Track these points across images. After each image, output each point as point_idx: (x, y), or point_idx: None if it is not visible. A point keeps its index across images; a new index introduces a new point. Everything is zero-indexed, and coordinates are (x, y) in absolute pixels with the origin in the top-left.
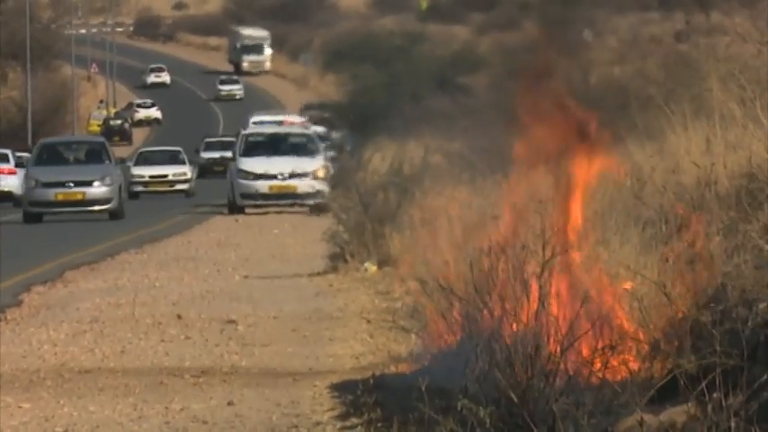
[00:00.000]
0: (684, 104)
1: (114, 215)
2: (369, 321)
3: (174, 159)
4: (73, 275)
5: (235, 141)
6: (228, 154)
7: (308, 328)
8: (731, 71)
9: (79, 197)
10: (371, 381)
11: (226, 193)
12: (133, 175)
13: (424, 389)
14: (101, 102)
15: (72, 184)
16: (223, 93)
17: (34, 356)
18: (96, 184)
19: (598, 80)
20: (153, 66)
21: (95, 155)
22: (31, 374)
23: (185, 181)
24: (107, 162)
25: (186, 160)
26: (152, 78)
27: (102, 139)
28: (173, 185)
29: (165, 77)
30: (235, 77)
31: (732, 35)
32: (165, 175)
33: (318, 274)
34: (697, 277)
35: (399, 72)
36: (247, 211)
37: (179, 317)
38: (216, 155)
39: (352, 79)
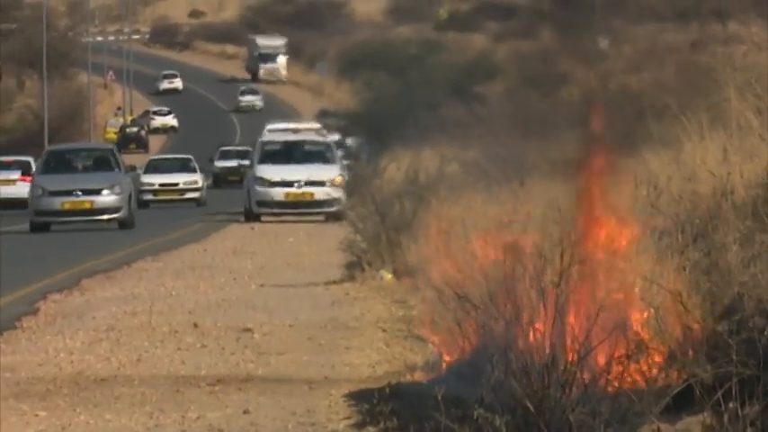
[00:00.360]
0: (701, 113)
1: (124, 224)
2: (384, 330)
3: (184, 167)
4: (89, 284)
5: (251, 150)
6: (244, 162)
7: (323, 336)
8: (748, 80)
9: (87, 206)
10: (387, 389)
11: (242, 202)
12: (143, 184)
13: (440, 398)
14: (118, 109)
15: (80, 193)
16: (243, 104)
17: (51, 365)
18: (105, 192)
19: (615, 89)
20: (166, 72)
21: (104, 162)
22: (48, 383)
23: (196, 189)
24: (116, 170)
25: (197, 168)
26: (165, 84)
27: (111, 146)
28: (183, 194)
29: (178, 83)
30: (255, 88)
31: (749, 44)
32: (176, 184)
33: (334, 282)
34: (713, 287)
35: (415, 80)
36: (263, 219)
37: (195, 325)
38: (231, 164)
39: (368, 87)
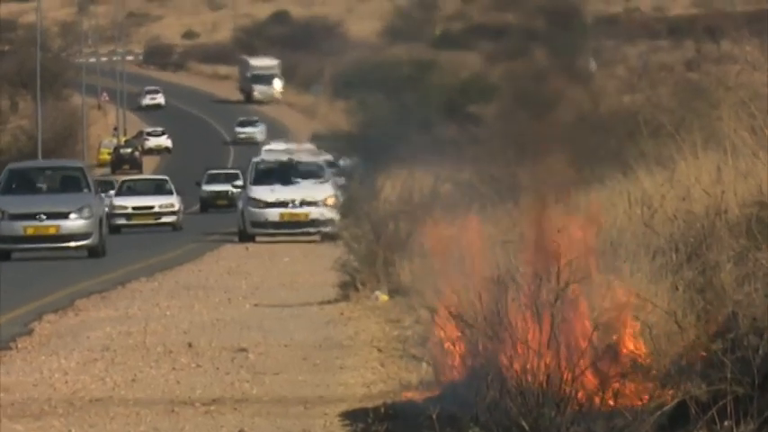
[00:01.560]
0: (695, 133)
1: (94, 252)
2: (380, 350)
3: (159, 189)
4: (84, 304)
5: (239, 174)
6: (234, 186)
7: (318, 356)
8: (742, 99)
9: (52, 231)
10: (383, 409)
11: (236, 223)
12: (115, 207)
13: (435, 417)
14: (114, 129)
15: (44, 217)
16: (242, 136)
17: (45, 385)
18: (73, 216)
19: (607, 109)
20: (148, 88)
21: (72, 183)
22: (42, 403)
23: (172, 213)
24: (86, 191)
25: (173, 190)
26: (147, 100)
27: (80, 164)
28: (158, 218)
29: (160, 99)
30: (255, 118)
31: (742, 63)
32: (151, 207)
33: (329, 302)
34: (708, 305)
35: (409, 101)
36: (258, 239)
37: (190, 345)
38: (219, 188)
39: (362, 108)
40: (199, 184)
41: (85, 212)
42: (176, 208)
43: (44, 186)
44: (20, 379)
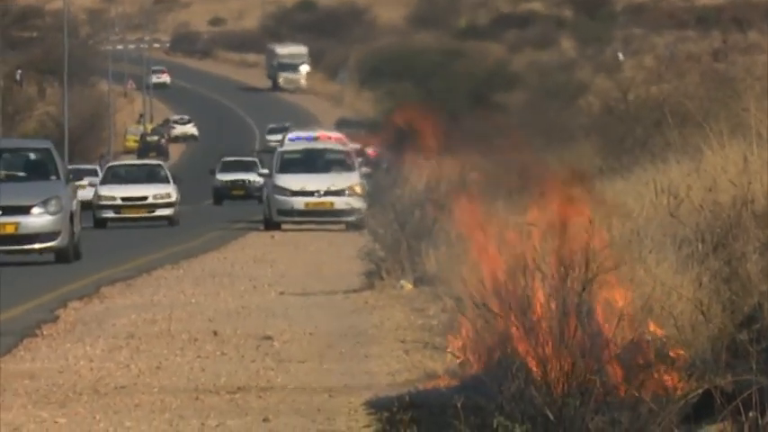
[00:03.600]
0: (721, 122)
1: (63, 256)
2: (404, 339)
3: (153, 177)
4: (109, 291)
5: (256, 161)
6: (249, 176)
7: (343, 344)
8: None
9: (10, 230)
10: (407, 398)
11: (262, 211)
12: (101, 197)
13: (459, 406)
14: (141, 116)
15: None
16: (273, 143)
17: (70, 372)
18: (36, 211)
19: (635, 98)
20: (155, 67)
21: (37, 168)
22: (68, 390)
23: (169, 205)
24: (53, 178)
25: (170, 178)
26: (154, 79)
27: (47, 145)
28: (153, 210)
29: (166, 78)
30: (286, 124)
31: None
32: (144, 198)
33: (354, 291)
34: (734, 296)
35: (436, 89)
36: (283, 227)
37: (215, 333)
38: (234, 177)
39: (389, 96)
40: (213, 173)
41: (52, 206)
42: (173, 199)
43: (1, 173)
44: (45, 366)
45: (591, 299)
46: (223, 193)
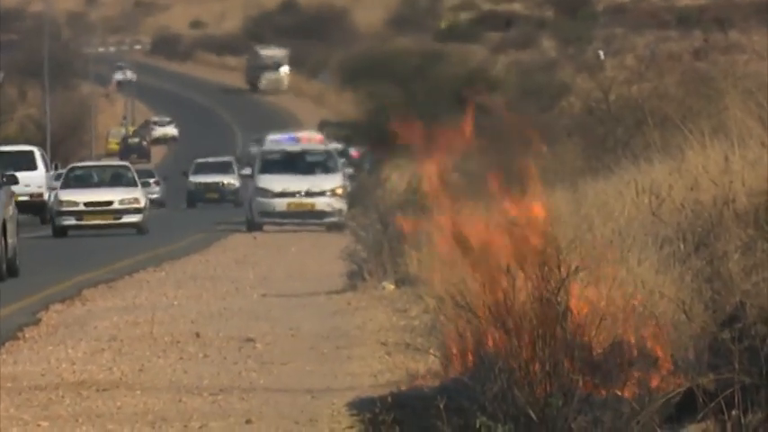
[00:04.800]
0: (702, 122)
1: None
2: (386, 340)
3: (119, 180)
4: (91, 294)
5: (231, 162)
6: (224, 178)
7: (326, 346)
8: (749, 89)
9: None
10: (390, 398)
11: (244, 213)
12: (61, 202)
13: (442, 407)
14: (124, 118)
15: None
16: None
17: (52, 375)
18: None
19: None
20: (119, 63)
21: None
22: (50, 393)
23: (137, 211)
24: None
25: (137, 181)
26: (118, 76)
27: None
28: (119, 217)
29: (129, 75)
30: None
31: (750, 53)
32: (109, 203)
33: (336, 292)
34: (715, 295)
35: (416, 90)
36: (265, 228)
37: (197, 335)
38: (208, 179)
39: (370, 97)
40: (186, 175)
41: None
42: (142, 204)
43: None
44: (27, 368)
45: (572, 299)
46: (196, 197)
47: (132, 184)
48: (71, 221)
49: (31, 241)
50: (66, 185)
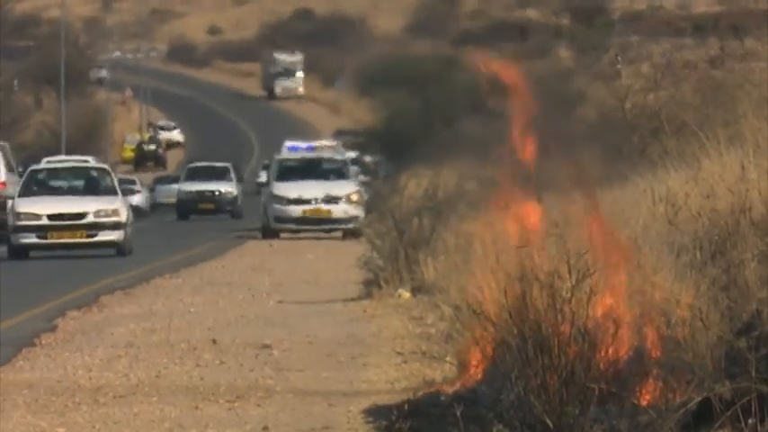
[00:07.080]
0: (719, 130)
1: None
2: (402, 347)
3: (93, 186)
4: (108, 300)
5: (229, 169)
6: (220, 186)
7: (342, 353)
8: (765, 96)
9: None
10: (406, 406)
11: (259, 219)
12: (19, 215)
13: (458, 414)
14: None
15: None
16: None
17: (69, 381)
18: None
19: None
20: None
21: None
22: (66, 399)
23: (116, 225)
24: None
25: (117, 188)
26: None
27: None
28: (94, 234)
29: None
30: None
31: (766, 61)
32: (82, 215)
33: (352, 299)
34: (732, 303)
35: (433, 97)
36: (281, 235)
37: (214, 342)
38: (201, 187)
39: (386, 104)
40: (176, 181)
41: None
42: (123, 218)
43: None
44: (43, 375)
45: (590, 306)
46: (188, 207)
47: (111, 192)
48: (31, 239)
49: None
50: (25, 193)
